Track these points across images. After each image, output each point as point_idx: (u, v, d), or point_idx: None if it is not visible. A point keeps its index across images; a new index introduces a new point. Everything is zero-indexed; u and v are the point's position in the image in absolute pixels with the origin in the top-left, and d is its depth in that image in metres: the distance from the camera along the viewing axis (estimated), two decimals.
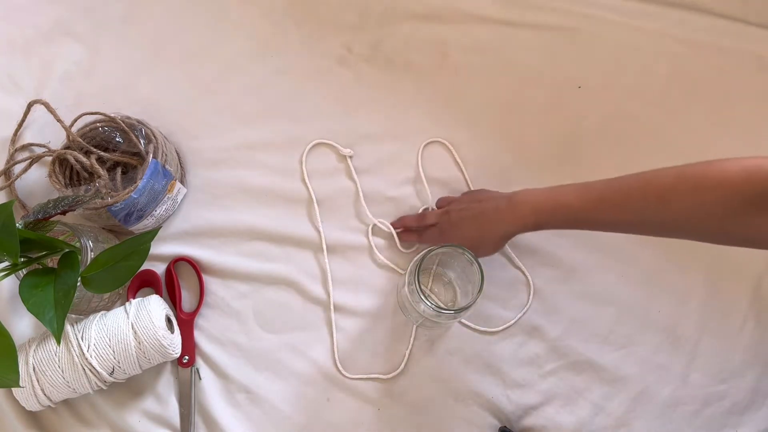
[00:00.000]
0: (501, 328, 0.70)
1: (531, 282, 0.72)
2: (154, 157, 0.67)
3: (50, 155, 0.69)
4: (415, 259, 0.63)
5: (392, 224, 0.73)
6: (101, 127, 0.69)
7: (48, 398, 0.62)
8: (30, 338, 0.64)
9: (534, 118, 0.78)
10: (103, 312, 0.65)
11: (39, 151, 0.75)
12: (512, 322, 0.70)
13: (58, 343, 0.52)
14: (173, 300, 0.71)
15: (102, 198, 0.64)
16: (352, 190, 0.75)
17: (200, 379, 0.69)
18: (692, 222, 0.54)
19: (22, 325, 0.69)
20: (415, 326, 0.70)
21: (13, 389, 0.62)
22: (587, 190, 0.59)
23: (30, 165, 0.73)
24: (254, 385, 0.69)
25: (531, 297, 0.71)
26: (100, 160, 0.70)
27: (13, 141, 0.74)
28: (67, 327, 0.62)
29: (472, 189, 0.75)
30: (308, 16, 0.82)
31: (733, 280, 0.73)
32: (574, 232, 0.73)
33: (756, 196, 0.49)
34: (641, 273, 0.73)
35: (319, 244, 0.73)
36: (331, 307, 0.71)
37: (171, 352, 0.64)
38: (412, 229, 0.72)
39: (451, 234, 0.67)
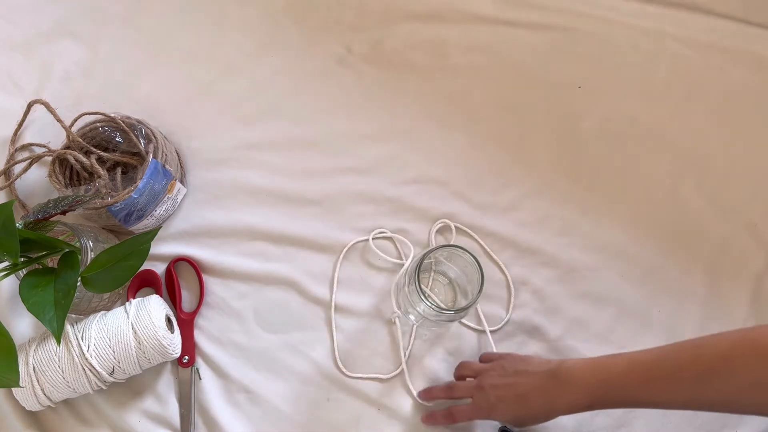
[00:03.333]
0: (497, 327, 0.70)
1: (509, 278, 0.72)
2: (154, 157, 0.67)
3: (50, 155, 0.69)
4: (415, 259, 0.63)
5: (419, 395, 0.67)
6: (101, 127, 0.70)
7: (48, 398, 0.62)
8: (30, 338, 0.64)
9: (534, 118, 0.78)
10: (103, 312, 0.65)
11: (39, 151, 0.75)
12: (506, 319, 0.70)
13: (58, 343, 0.52)
14: (173, 300, 0.71)
15: (102, 198, 0.64)
16: (351, 190, 0.75)
17: (200, 379, 0.69)
18: (753, 395, 0.46)
19: (22, 325, 0.69)
20: (415, 326, 0.70)
21: (13, 389, 0.62)
22: (635, 363, 0.52)
23: (30, 165, 0.73)
24: (254, 385, 0.69)
25: (512, 292, 0.71)
26: (100, 160, 0.70)
27: (13, 141, 0.74)
28: (67, 327, 0.62)
29: (495, 351, 0.69)
30: (308, 16, 0.82)
31: (733, 280, 0.72)
32: (574, 231, 0.74)
33: None
34: (641, 273, 0.73)
35: (319, 244, 0.73)
36: (332, 307, 0.71)
37: (171, 352, 0.64)
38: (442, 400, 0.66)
39: (491, 415, 0.60)
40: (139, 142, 0.68)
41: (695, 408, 0.50)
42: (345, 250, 0.73)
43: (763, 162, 0.77)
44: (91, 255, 0.62)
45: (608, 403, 0.54)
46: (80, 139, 0.68)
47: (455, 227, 0.73)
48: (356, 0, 0.83)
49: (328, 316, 0.71)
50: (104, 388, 0.63)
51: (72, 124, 0.68)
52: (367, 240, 0.73)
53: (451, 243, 0.72)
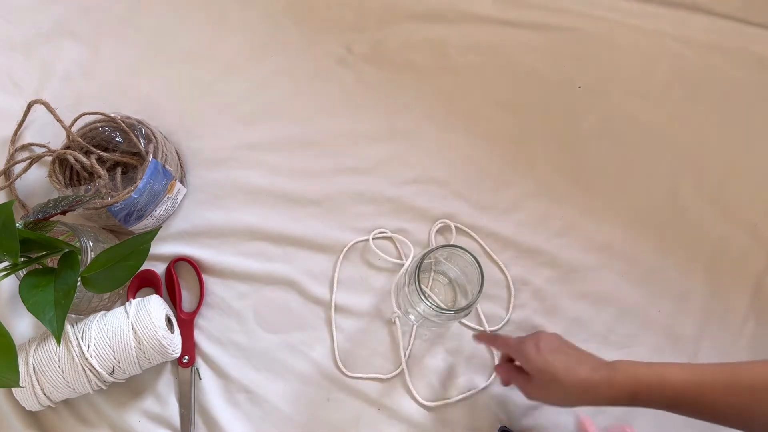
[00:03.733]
0: (497, 327, 0.70)
1: (509, 278, 0.72)
2: (154, 156, 0.67)
3: (50, 155, 0.69)
4: (415, 259, 0.63)
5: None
6: (101, 127, 0.70)
7: (48, 398, 0.62)
8: (30, 338, 0.64)
9: (534, 118, 0.78)
10: (103, 312, 0.65)
11: (39, 151, 0.75)
12: (506, 319, 0.71)
13: (58, 343, 0.52)
14: (173, 300, 0.71)
15: (102, 198, 0.64)
16: (351, 190, 0.75)
17: (200, 379, 0.69)
18: None
19: (22, 325, 0.69)
20: (415, 326, 0.70)
21: (13, 389, 0.62)
22: (694, 370, 0.52)
23: (30, 165, 0.73)
24: (254, 385, 0.69)
25: (512, 292, 0.72)
26: (100, 160, 0.70)
27: (13, 141, 0.74)
28: (67, 327, 0.62)
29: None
30: (308, 16, 0.82)
31: (733, 280, 0.72)
32: (574, 231, 0.74)
33: None
34: (641, 273, 0.73)
35: (319, 244, 0.73)
36: (332, 307, 0.71)
37: (171, 352, 0.64)
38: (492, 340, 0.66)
39: (534, 361, 0.57)
40: (139, 142, 0.68)
41: (747, 425, 0.50)
42: (345, 250, 0.73)
43: (763, 162, 0.77)
44: (91, 255, 0.62)
45: (655, 401, 0.53)
46: (80, 139, 0.68)
47: (455, 227, 0.73)
48: (356, 0, 0.83)
49: (328, 316, 0.71)
50: (104, 388, 0.63)
51: (72, 124, 0.68)
52: (367, 240, 0.73)
53: (451, 243, 0.72)
